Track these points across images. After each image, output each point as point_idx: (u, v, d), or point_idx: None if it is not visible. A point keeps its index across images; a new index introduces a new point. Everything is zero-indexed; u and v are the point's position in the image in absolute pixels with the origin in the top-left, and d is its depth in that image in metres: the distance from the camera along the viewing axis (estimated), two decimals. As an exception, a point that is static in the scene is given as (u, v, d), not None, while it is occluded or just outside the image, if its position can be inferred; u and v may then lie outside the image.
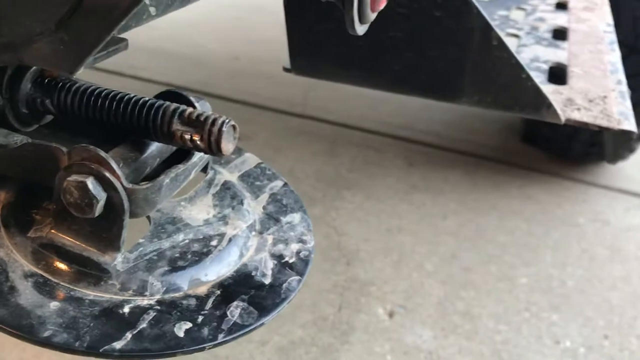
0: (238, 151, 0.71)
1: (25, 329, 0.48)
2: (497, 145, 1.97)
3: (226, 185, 0.65)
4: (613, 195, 1.80)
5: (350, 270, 1.63)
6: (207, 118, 0.52)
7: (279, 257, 0.59)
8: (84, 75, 0.68)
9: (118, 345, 0.48)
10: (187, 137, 0.52)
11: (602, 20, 1.02)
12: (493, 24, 1.06)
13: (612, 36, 0.98)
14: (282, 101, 2.06)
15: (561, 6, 1.13)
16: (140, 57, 2.27)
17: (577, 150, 1.76)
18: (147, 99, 0.55)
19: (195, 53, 2.35)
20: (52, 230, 0.54)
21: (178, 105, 0.54)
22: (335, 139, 1.91)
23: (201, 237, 0.58)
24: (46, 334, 0.48)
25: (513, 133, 1.94)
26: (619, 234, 1.64)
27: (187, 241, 0.57)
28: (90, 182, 0.50)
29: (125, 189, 0.51)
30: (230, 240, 0.59)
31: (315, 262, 1.79)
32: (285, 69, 0.83)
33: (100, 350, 0.48)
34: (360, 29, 0.53)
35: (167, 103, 0.54)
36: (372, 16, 0.54)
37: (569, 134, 1.65)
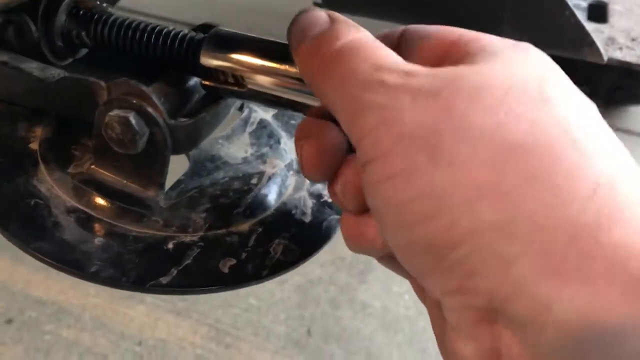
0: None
1: (72, 264, 0.48)
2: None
3: (262, 124, 0.64)
4: (636, 140, 1.78)
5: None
6: (249, 52, 0.51)
7: (317, 197, 0.58)
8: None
9: (164, 280, 0.48)
10: (229, 71, 0.51)
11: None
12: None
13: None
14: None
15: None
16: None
17: (599, 94, 1.72)
18: (185, 32, 0.53)
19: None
20: (93, 167, 0.53)
21: (219, 39, 0.52)
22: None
23: (241, 175, 0.58)
24: (93, 269, 0.48)
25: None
26: None
27: (227, 179, 0.57)
28: (133, 117, 0.49)
29: (167, 124, 0.50)
30: (269, 178, 0.58)
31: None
32: (316, 3, 0.80)
33: (147, 286, 0.48)
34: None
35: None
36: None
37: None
